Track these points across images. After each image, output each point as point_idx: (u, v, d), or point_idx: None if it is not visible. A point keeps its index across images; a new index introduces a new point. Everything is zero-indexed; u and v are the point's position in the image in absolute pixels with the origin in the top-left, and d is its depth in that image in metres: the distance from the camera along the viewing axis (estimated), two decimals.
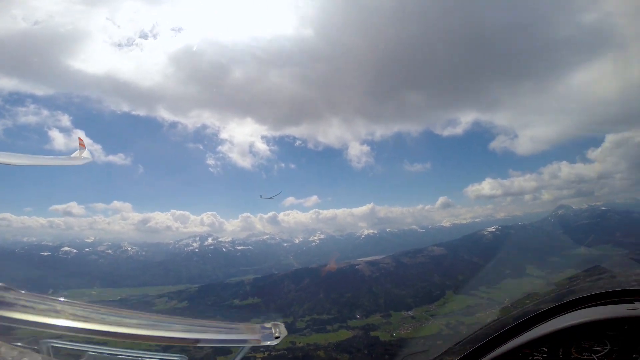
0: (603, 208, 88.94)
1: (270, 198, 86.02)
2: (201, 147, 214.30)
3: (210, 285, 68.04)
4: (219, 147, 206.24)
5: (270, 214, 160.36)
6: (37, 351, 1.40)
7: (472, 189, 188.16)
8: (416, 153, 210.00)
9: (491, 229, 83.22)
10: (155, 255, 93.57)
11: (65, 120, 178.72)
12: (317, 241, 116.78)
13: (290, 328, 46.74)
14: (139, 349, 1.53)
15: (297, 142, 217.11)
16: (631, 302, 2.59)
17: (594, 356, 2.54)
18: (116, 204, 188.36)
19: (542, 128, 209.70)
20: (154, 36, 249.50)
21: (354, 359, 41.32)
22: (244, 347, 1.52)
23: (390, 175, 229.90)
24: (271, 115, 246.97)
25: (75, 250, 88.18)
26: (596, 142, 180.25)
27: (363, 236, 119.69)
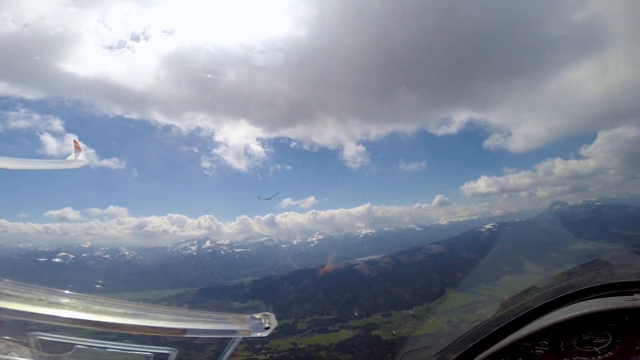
0: (598, 203, 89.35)
1: (268, 199, 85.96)
2: (196, 150, 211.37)
3: (210, 289, 67.51)
4: (214, 150, 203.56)
5: (267, 215, 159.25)
6: (25, 344, 1.36)
7: (468, 187, 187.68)
8: (412, 152, 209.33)
9: (488, 226, 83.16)
10: (153, 260, 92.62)
11: (57, 124, 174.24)
12: (315, 242, 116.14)
13: (291, 329, 46.63)
14: (128, 342, 1.50)
15: (293, 144, 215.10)
16: (631, 294, 2.62)
17: (596, 349, 2.57)
18: (112, 208, 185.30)
19: (535, 126, 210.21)
20: (146, 38, 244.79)
21: (356, 359, 41.35)
22: (234, 339, 1.47)
23: (387, 174, 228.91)
24: (266, 116, 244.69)
25: (72, 256, 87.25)
26: (589, 138, 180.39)
27: (361, 236, 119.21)
